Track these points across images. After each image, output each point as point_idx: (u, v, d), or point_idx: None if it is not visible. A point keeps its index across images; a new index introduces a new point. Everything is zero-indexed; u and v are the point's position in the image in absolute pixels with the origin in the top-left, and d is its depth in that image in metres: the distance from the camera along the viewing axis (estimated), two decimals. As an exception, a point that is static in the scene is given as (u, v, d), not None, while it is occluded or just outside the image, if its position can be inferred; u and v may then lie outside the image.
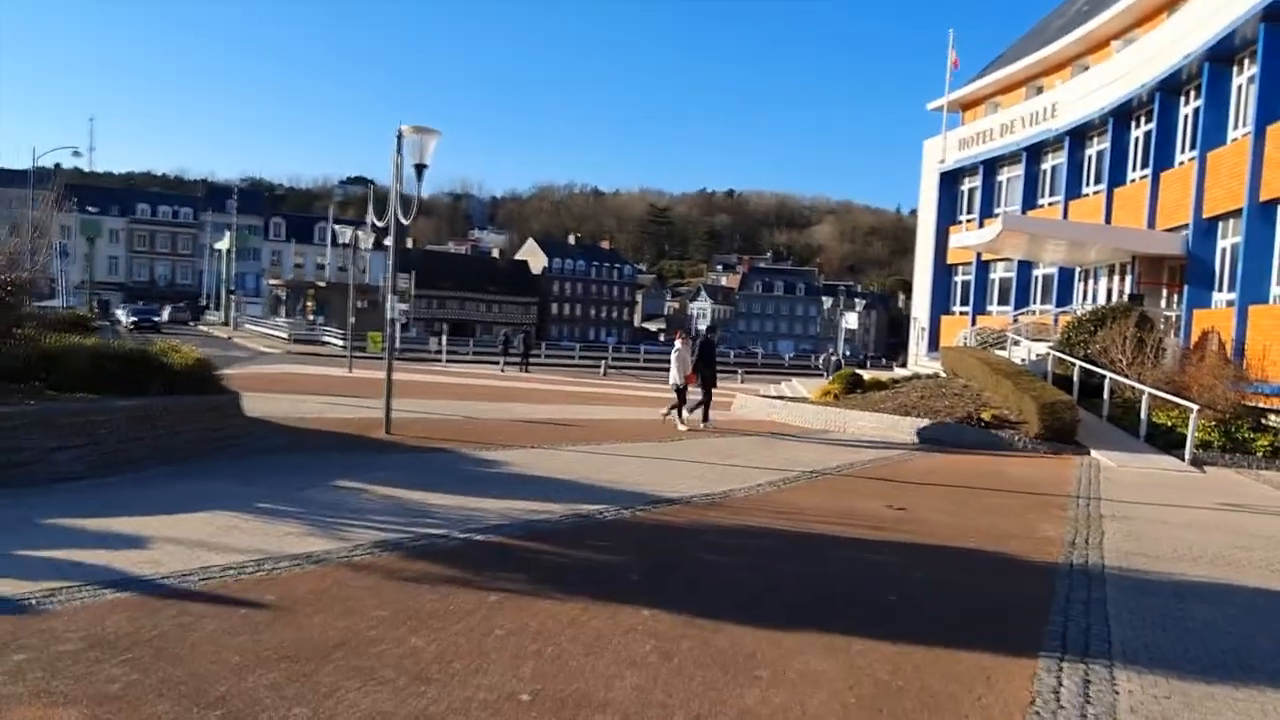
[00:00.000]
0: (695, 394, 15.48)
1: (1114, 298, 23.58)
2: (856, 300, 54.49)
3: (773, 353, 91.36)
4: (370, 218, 10.99)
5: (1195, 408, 13.23)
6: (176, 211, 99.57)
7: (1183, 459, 13.40)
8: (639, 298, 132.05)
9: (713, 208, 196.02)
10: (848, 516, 8.44)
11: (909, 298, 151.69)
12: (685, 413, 15.31)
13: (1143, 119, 24.63)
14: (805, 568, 6.33)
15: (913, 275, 38.93)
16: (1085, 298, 26.19)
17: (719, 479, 10.11)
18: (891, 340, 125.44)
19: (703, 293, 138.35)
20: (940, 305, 35.07)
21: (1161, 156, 22.95)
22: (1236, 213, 19.53)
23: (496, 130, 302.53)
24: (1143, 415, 14.73)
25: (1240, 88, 20.26)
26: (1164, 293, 22.85)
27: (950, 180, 34.48)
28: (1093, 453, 13.83)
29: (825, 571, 6.24)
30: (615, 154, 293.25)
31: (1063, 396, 14.46)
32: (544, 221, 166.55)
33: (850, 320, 49.32)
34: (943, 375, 21.72)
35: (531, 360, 36.73)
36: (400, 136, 11.07)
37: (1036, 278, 30.34)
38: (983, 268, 32.45)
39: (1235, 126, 20.34)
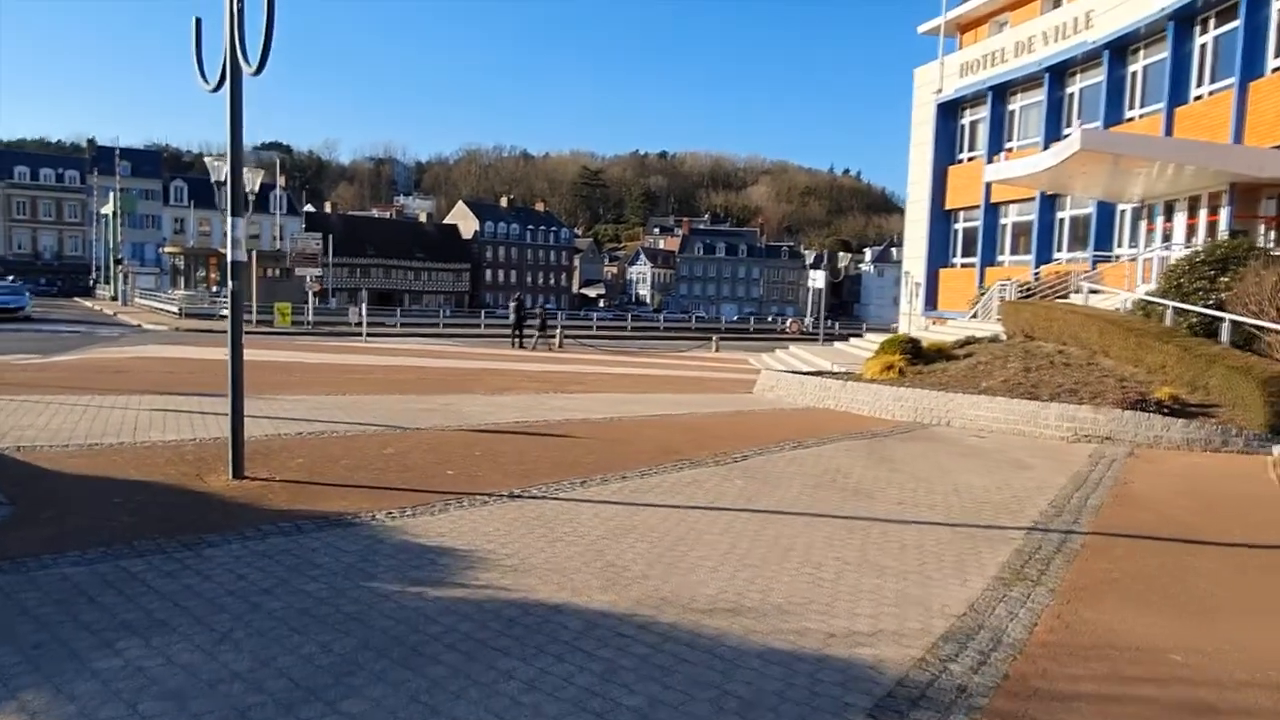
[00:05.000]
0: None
1: (1201, 236, 19.15)
2: (842, 256, 49.93)
3: (717, 316, 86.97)
4: (198, 77, 5.41)
5: None
6: (61, 174, 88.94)
7: None
8: (577, 262, 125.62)
9: (646, 169, 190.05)
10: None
11: (851, 257, 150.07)
12: None
13: (1212, 21, 20.17)
14: None
15: (851, 235, 34.50)
16: (1153, 237, 21.79)
17: (907, 563, 5.03)
18: (833, 301, 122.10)
19: (641, 256, 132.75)
20: (939, 258, 30.49)
21: (1250, 62, 18.52)
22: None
23: (419, 93, 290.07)
24: (1386, 392, 10.12)
25: (1384, -40, 15.81)
26: (1261, 229, 18.52)
27: (948, 113, 29.81)
28: (1344, 451, 9.19)
29: None
30: (543, 116, 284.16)
31: (1286, 368, 9.79)
32: (472, 186, 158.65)
33: (819, 280, 44.48)
34: (1003, 338, 17.11)
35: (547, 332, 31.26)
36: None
37: (1061, 220, 25.95)
38: (991, 212, 27.92)
39: (1375, 11, 15.96)
